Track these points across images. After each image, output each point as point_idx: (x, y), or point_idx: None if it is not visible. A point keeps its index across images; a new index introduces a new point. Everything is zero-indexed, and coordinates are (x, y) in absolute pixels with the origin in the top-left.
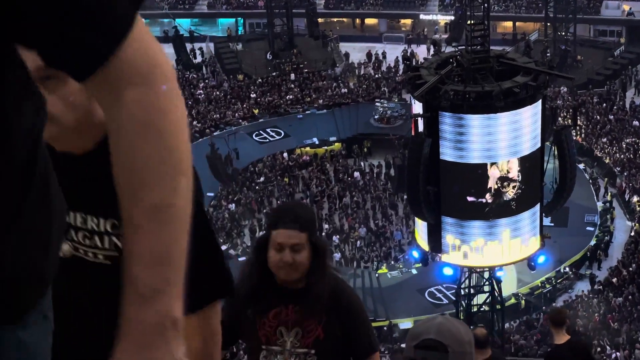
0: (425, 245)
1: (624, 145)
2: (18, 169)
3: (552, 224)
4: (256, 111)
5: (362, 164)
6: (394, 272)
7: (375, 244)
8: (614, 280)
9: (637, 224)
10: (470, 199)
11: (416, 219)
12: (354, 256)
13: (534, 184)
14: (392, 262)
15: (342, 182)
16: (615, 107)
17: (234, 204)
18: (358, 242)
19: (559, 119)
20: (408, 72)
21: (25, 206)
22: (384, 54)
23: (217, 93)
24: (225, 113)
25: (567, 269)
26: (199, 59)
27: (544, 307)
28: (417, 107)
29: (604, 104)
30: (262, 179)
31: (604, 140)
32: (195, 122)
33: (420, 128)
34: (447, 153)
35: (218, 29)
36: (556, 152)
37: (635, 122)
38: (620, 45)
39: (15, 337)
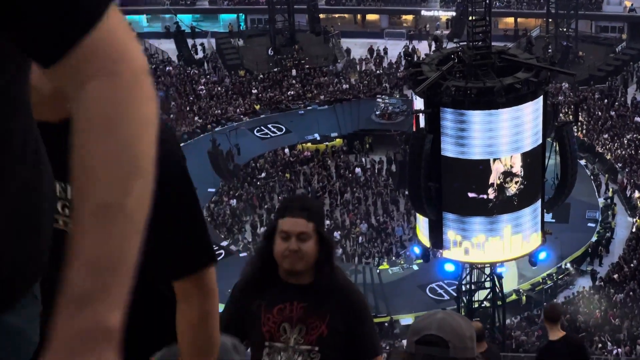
0: (426, 241)
1: (625, 142)
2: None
3: (554, 220)
4: (257, 107)
5: (363, 159)
6: (395, 268)
7: (376, 240)
8: (615, 276)
9: (638, 220)
10: (471, 195)
11: (417, 215)
12: (355, 252)
13: (535, 180)
14: (394, 258)
15: (343, 178)
16: (616, 103)
17: (235, 200)
18: (360, 238)
19: (561, 115)
20: (409, 68)
21: (16, 185)
22: (385, 50)
23: (219, 89)
24: (226, 109)
25: (568, 265)
26: (200, 54)
27: (544, 303)
28: (419, 103)
29: (606, 100)
30: (263, 174)
31: (605, 136)
32: (196, 118)
33: (422, 124)
34: (449, 149)
35: (219, 25)
36: (557, 148)
37: (637, 118)
38: (621, 42)
39: (6, 323)
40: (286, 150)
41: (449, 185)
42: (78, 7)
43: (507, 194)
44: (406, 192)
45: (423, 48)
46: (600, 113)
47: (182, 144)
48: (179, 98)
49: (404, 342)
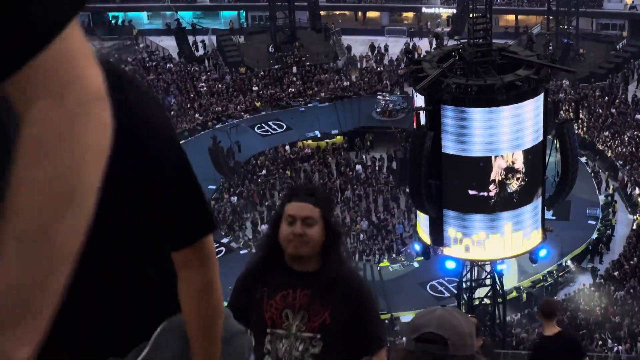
0: (427, 239)
1: (626, 139)
2: None
3: (554, 218)
4: (258, 104)
5: (364, 157)
6: (396, 265)
7: (377, 237)
8: (616, 273)
9: (638, 218)
10: (471, 192)
11: (418, 212)
12: (355, 249)
13: (536, 177)
14: (394, 255)
15: (344, 175)
16: (617, 101)
17: (235, 197)
18: (361, 235)
19: (561, 112)
20: (410, 65)
21: None
22: (386, 47)
23: (220, 86)
24: (227, 106)
25: (569, 262)
26: (201, 51)
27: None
28: (419, 100)
29: (606, 98)
30: (264, 171)
31: (606, 133)
32: (197, 115)
33: (422, 121)
34: (449, 146)
35: (220, 22)
36: (558, 146)
37: (638, 116)
38: (622, 39)
39: None
40: (287, 147)
41: (449, 183)
42: (28, 27)
43: (508, 191)
44: (407, 190)
45: (424, 45)
46: (600, 110)
47: (182, 141)
48: (179, 95)
49: (404, 339)
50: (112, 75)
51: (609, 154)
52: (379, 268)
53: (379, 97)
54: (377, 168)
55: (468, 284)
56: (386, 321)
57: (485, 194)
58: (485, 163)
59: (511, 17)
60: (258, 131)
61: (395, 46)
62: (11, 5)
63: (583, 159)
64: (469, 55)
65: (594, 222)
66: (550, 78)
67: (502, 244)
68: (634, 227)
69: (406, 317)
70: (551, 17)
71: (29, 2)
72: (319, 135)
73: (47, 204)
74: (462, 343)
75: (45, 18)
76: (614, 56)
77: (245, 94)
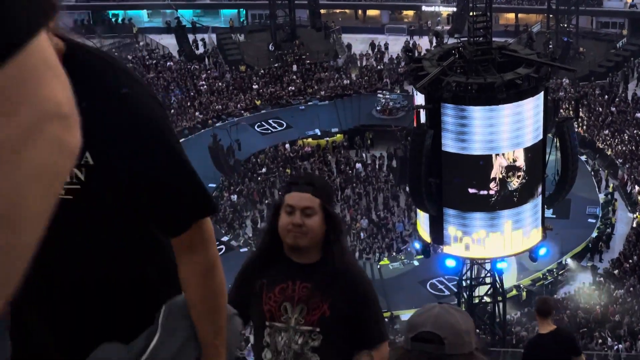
0: (427, 237)
1: (626, 137)
2: None
3: (554, 216)
4: (258, 102)
5: (364, 155)
6: (396, 264)
7: (377, 236)
8: (616, 272)
9: (638, 216)
10: (471, 190)
11: (418, 210)
12: (355, 248)
13: (536, 175)
14: (394, 254)
15: (344, 174)
16: (617, 99)
17: (235, 195)
18: (361, 233)
19: (561, 110)
20: (410, 63)
21: None
22: (386, 45)
23: (220, 84)
24: (227, 104)
25: (569, 260)
26: (201, 50)
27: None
28: (419, 99)
29: (606, 96)
30: (264, 170)
31: (606, 132)
32: (197, 113)
33: (423, 119)
34: (449, 144)
35: (220, 20)
36: (558, 144)
37: (637, 114)
38: (622, 37)
39: None
40: (287, 145)
41: (449, 181)
42: None
43: (509, 189)
44: (407, 188)
45: (424, 43)
46: (600, 109)
47: (183, 139)
48: (180, 93)
49: (402, 337)
50: (118, 70)
51: (608, 153)
52: (379, 266)
53: (379, 95)
54: (377, 166)
55: (468, 282)
56: (386, 319)
57: (486, 192)
58: (485, 161)
59: (511, 16)
60: (258, 129)
61: (395, 44)
62: None
63: (583, 158)
64: (469, 54)
65: (593, 221)
66: (550, 76)
67: (502, 243)
68: (634, 225)
69: (406, 315)
70: (551, 16)
71: None
72: (319, 134)
73: None
74: (459, 341)
75: (2, 35)
76: (613, 54)
77: (246, 92)
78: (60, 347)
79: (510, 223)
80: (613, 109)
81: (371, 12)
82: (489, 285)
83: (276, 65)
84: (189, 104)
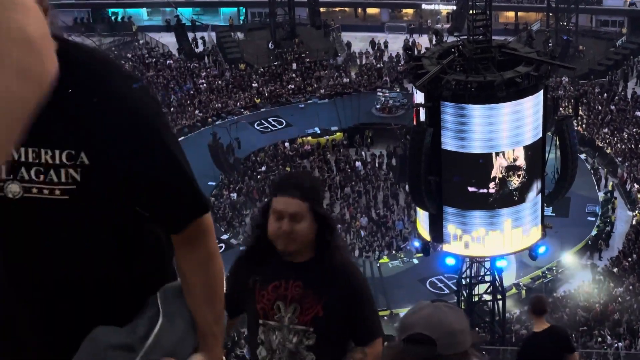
0: (426, 235)
1: (625, 136)
2: None
3: (554, 214)
4: (258, 100)
5: (363, 153)
6: (396, 262)
7: (376, 234)
8: (615, 270)
9: (638, 214)
10: (471, 189)
11: (417, 208)
12: (355, 246)
13: (536, 173)
14: (394, 252)
15: (344, 172)
16: (616, 98)
17: (235, 193)
18: (361, 232)
19: (561, 109)
20: (410, 61)
21: None
22: (385, 43)
23: (219, 82)
24: (227, 102)
25: (568, 259)
26: (200, 48)
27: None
28: (419, 97)
29: (606, 94)
30: (263, 168)
31: (605, 130)
32: (197, 112)
33: (422, 118)
34: (449, 143)
35: (220, 18)
36: (557, 143)
37: (637, 113)
38: (622, 36)
39: None
40: (286, 143)
41: (449, 179)
42: None
43: (510, 188)
44: (406, 186)
45: (423, 42)
46: (600, 107)
47: (182, 138)
48: (179, 91)
49: (396, 337)
50: (114, 69)
51: (608, 151)
52: (378, 264)
53: (378, 93)
54: (376, 164)
55: (467, 280)
56: (385, 317)
57: (485, 190)
58: (485, 160)
59: (511, 14)
60: (258, 128)
61: (395, 43)
62: None
63: (582, 156)
64: (469, 52)
65: (593, 219)
66: (549, 75)
67: (502, 241)
68: (633, 223)
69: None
70: (551, 14)
71: None
72: (318, 132)
73: None
74: (451, 341)
75: None
76: (613, 53)
77: (245, 90)
78: (54, 345)
79: (510, 221)
80: (612, 107)
81: (371, 11)
82: (489, 284)
83: (276, 63)
84: (188, 102)
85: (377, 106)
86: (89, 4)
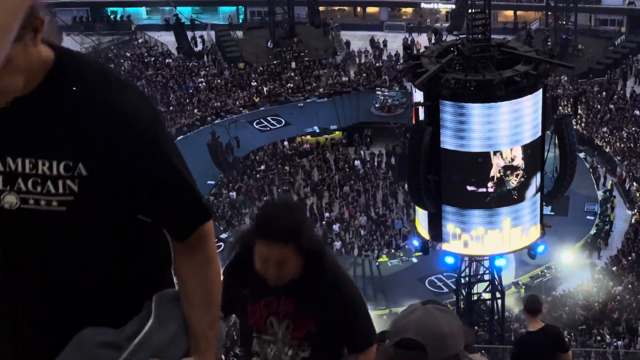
0: (425, 234)
1: (625, 134)
2: None
3: (553, 213)
4: (257, 99)
5: (362, 152)
6: (395, 261)
7: (375, 233)
8: (614, 269)
9: (637, 213)
10: (470, 188)
11: (416, 207)
12: (354, 244)
13: (535, 172)
14: (393, 251)
15: (343, 171)
16: (615, 96)
17: (234, 192)
18: (361, 231)
19: (560, 108)
20: (409, 60)
21: None
22: (385, 42)
23: (218, 81)
24: (226, 101)
25: (568, 257)
26: (200, 47)
27: (543, 296)
28: (418, 96)
29: (605, 93)
30: (262, 167)
31: (605, 129)
32: (196, 111)
33: (421, 116)
34: (448, 142)
35: (219, 17)
36: (556, 141)
37: (636, 111)
38: (621, 35)
39: None
40: (285, 142)
41: (448, 178)
42: None
43: (508, 187)
44: (405, 185)
45: (423, 40)
46: (599, 106)
47: (181, 137)
48: (178, 90)
49: (387, 341)
50: (111, 79)
51: (607, 150)
52: (377, 263)
53: (377, 92)
54: (375, 163)
55: (466, 279)
56: (385, 316)
57: (484, 190)
58: (484, 158)
59: (510, 13)
60: (257, 126)
61: (394, 41)
62: None
63: (581, 155)
64: (468, 51)
65: (592, 218)
66: (548, 74)
67: (501, 240)
68: (632, 222)
69: None
70: (550, 13)
71: None
72: (317, 131)
73: None
74: (441, 345)
75: None
76: (612, 52)
77: (244, 89)
78: (54, 345)
79: (509, 220)
80: (611, 106)
81: (370, 9)
82: (488, 282)
83: (275, 62)
84: (187, 101)
85: (376, 105)
86: (88, 2)
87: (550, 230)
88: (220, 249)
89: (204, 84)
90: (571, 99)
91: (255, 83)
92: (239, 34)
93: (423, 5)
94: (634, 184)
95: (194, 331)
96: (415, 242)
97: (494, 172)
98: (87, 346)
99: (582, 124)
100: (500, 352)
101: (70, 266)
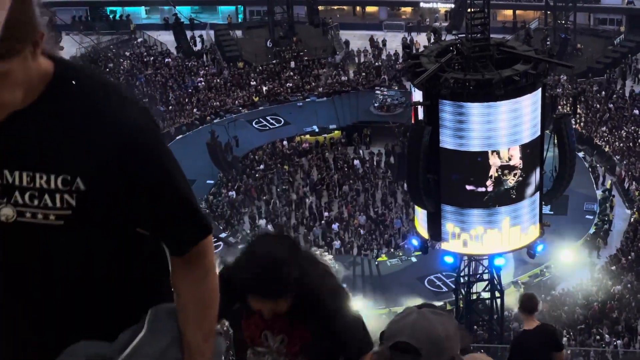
0: (425, 233)
1: (624, 134)
2: None
3: (552, 212)
4: (256, 99)
5: (361, 151)
6: (394, 260)
7: (374, 232)
8: (613, 268)
9: (636, 212)
10: (469, 187)
11: (416, 207)
12: (353, 244)
13: (534, 172)
14: (392, 250)
15: (342, 170)
16: (614, 96)
17: (233, 192)
18: (360, 230)
19: (559, 107)
20: (408, 59)
21: None
22: (384, 41)
23: (218, 81)
24: (225, 101)
25: (567, 257)
26: (199, 46)
27: (542, 295)
28: (417, 95)
29: (604, 93)
30: (261, 166)
31: (604, 128)
32: (195, 110)
33: (420, 116)
34: (447, 141)
35: (218, 17)
36: (556, 141)
37: (635, 111)
38: (620, 34)
39: None
40: (285, 142)
41: (447, 178)
42: None
43: (505, 187)
44: (405, 184)
45: (422, 40)
46: (598, 105)
47: (180, 136)
48: (177, 90)
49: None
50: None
51: (606, 149)
52: (377, 263)
53: (377, 91)
54: (375, 163)
55: (466, 278)
56: (384, 316)
57: (483, 189)
58: (483, 158)
59: (509, 12)
60: (256, 126)
61: (393, 41)
62: None
63: (581, 154)
64: (467, 50)
65: (591, 217)
66: (547, 73)
67: (500, 239)
68: (631, 221)
69: None
70: (549, 12)
71: None
72: (317, 130)
73: None
74: (436, 349)
75: None
76: (611, 51)
77: (243, 88)
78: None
79: (508, 219)
80: (611, 105)
81: (369, 9)
82: (487, 282)
83: (274, 61)
84: (186, 100)
85: (376, 104)
86: (87, 2)
87: (550, 229)
88: (219, 249)
89: (203, 83)
90: (570, 99)
91: (254, 82)
92: (238, 33)
93: (422, 4)
94: (633, 183)
95: (189, 344)
96: (415, 242)
97: (492, 171)
98: (77, 358)
99: (582, 123)
100: (499, 351)
101: (68, 277)
